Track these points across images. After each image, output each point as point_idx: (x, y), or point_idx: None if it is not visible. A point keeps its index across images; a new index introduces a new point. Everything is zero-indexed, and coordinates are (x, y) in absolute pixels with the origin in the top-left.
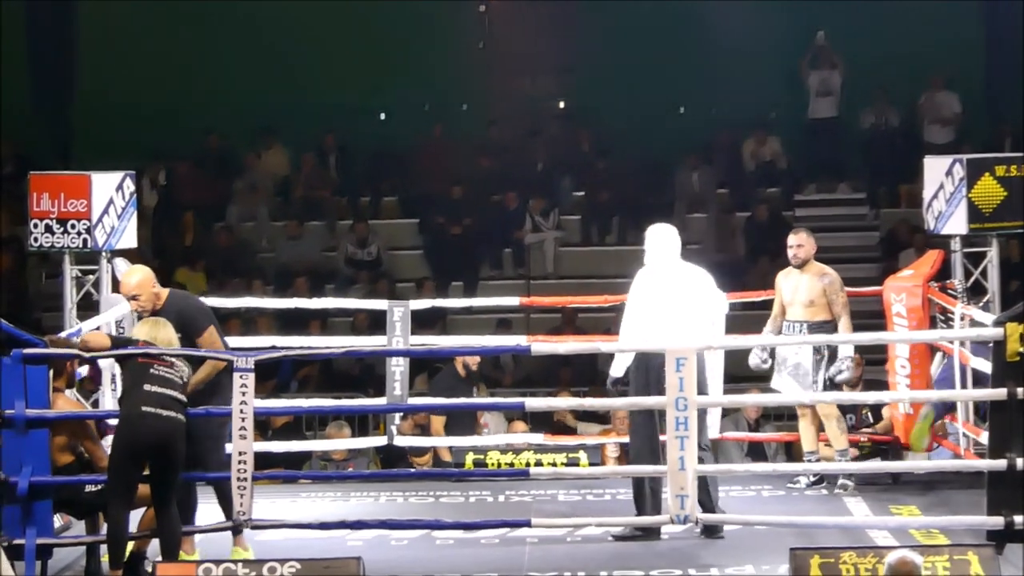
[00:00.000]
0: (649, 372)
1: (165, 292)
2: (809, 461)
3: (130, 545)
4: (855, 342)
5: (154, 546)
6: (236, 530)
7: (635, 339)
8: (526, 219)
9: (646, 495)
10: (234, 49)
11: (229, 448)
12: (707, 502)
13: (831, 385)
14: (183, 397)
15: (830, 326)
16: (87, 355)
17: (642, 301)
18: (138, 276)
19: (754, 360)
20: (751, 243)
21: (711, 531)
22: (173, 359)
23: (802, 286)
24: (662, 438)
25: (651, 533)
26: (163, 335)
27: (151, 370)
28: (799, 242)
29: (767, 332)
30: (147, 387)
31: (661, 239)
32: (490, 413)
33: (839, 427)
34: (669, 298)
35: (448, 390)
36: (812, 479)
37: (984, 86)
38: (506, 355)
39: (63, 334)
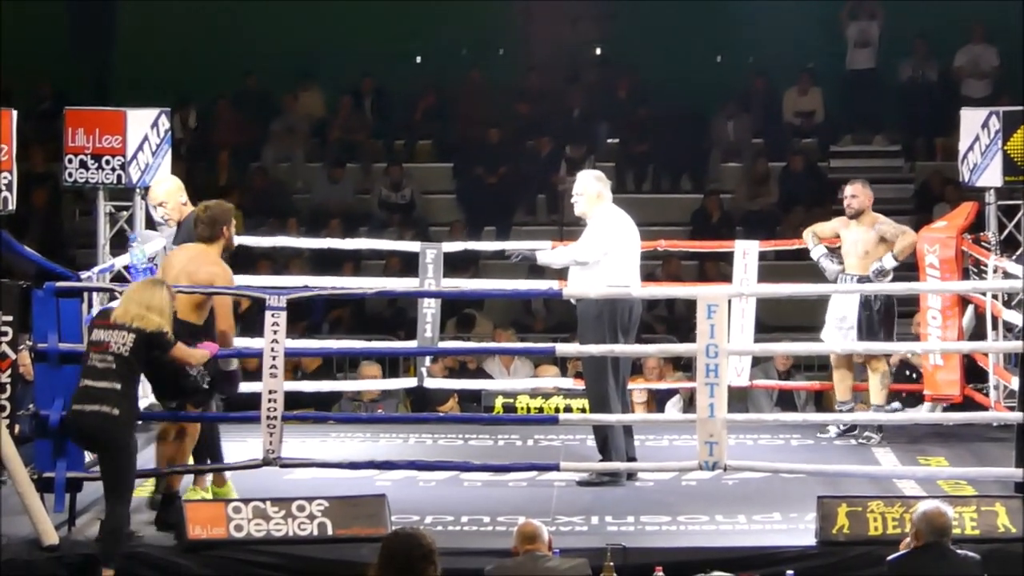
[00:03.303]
0: (616, 314)
1: (188, 209)
2: (840, 411)
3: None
4: (888, 292)
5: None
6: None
7: (607, 277)
8: (561, 165)
9: (610, 442)
10: None
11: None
12: (604, 448)
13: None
14: (117, 386)
15: (884, 276)
16: (119, 290)
17: (617, 240)
18: (166, 185)
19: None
20: (785, 193)
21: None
22: (112, 336)
23: (857, 238)
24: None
25: (617, 478)
26: (132, 288)
27: (88, 362)
28: (853, 192)
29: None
30: (82, 382)
31: (606, 182)
32: (519, 358)
33: (883, 382)
34: (633, 242)
35: None
36: (842, 429)
37: None
38: (537, 301)
39: (95, 270)
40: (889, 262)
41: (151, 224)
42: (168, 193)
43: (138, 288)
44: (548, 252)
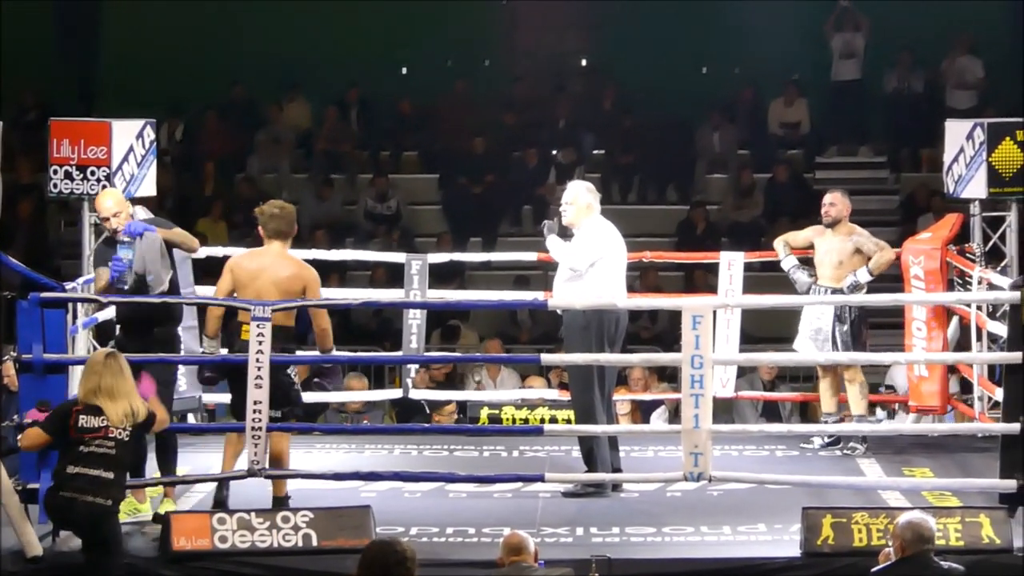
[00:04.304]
0: (603, 325)
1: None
2: (826, 423)
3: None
4: (873, 303)
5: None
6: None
7: (594, 289)
8: (549, 175)
9: (595, 453)
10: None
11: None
12: (590, 459)
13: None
14: (110, 475)
15: (858, 291)
16: (104, 300)
17: (604, 251)
18: (116, 195)
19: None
20: (770, 205)
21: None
22: (116, 428)
23: (832, 247)
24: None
25: (602, 489)
26: (109, 382)
27: (81, 447)
28: (832, 200)
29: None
30: (71, 468)
31: (596, 194)
32: (506, 369)
33: (861, 392)
34: (621, 254)
35: None
36: (826, 440)
37: (1011, 50)
38: (523, 312)
39: (80, 280)
40: (864, 276)
41: None
42: (121, 203)
43: (106, 377)
44: (555, 238)
